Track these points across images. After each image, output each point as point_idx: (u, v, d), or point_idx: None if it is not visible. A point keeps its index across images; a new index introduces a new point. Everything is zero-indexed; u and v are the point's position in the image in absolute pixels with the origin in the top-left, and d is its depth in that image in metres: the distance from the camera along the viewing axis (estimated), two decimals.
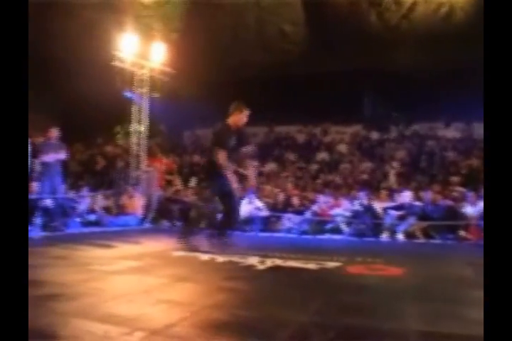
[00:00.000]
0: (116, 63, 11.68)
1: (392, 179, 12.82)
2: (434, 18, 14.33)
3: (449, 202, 10.10)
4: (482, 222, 9.21)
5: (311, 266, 5.21)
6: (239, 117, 6.57)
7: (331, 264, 5.39)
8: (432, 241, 9.32)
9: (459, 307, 3.41)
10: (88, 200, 11.17)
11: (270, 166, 14.30)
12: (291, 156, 15.10)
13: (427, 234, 9.58)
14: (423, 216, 9.83)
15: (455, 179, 11.48)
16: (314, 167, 14.15)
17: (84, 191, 11.43)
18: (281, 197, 11.39)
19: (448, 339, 2.62)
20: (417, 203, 10.24)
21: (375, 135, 15.71)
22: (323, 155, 14.81)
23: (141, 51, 12.10)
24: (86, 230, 9.59)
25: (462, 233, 9.35)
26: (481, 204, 9.57)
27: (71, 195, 11.03)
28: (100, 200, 11.44)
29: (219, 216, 6.70)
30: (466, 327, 2.88)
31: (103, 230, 9.66)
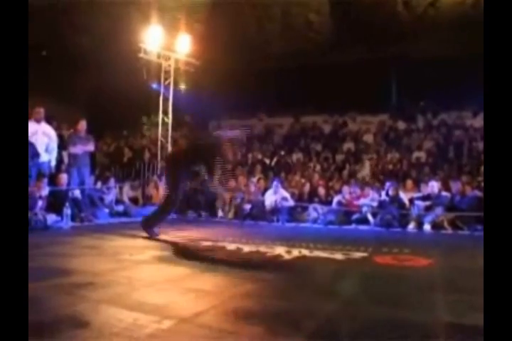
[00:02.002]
0: (143, 55, 11.76)
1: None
2: (462, 4, 14.04)
3: (477, 193, 9.95)
4: None
5: (338, 256, 5.21)
6: None
7: (358, 254, 5.38)
8: (459, 232, 9.20)
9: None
10: (115, 191, 11.31)
11: (296, 156, 14.27)
12: (317, 146, 15.04)
13: (454, 225, 9.46)
14: (451, 207, 9.71)
15: (484, 169, 11.31)
16: (340, 157, 14.08)
17: (112, 182, 11.57)
18: (307, 187, 11.38)
19: (476, 330, 2.59)
20: (445, 194, 10.12)
21: (401, 125, 15.53)
22: (349, 145, 14.72)
23: (167, 43, 12.16)
24: (114, 220, 9.72)
25: None
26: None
27: (99, 186, 11.17)
28: (127, 191, 11.57)
29: None
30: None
31: (131, 220, 9.78)
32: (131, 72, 12.63)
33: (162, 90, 12.61)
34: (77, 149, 9.28)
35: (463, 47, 13.80)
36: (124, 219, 9.99)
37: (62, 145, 9.94)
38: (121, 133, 16.73)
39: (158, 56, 12.14)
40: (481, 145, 13.16)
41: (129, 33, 12.18)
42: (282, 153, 14.56)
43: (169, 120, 12.79)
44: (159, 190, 11.67)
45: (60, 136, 10.27)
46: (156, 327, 2.47)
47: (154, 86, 12.72)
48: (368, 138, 15.12)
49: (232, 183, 12.09)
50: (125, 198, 11.30)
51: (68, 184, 9.10)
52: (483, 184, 10.38)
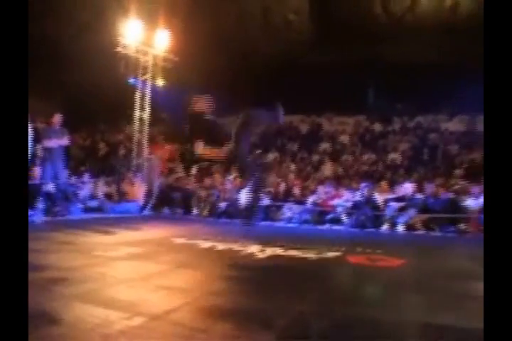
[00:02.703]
0: (121, 49, 11.65)
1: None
2: (439, 10, 14.24)
3: (450, 195, 10.10)
4: (483, 216, 9.24)
5: (311, 255, 5.24)
6: None
7: (331, 254, 5.42)
8: (432, 233, 9.33)
9: (457, 299, 3.43)
10: (90, 186, 11.19)
11: (273, 156, 14.30)
12: (293, 146, 15.09)
13: (427, 226, 9.59)
14: (424, 208, 9.83)
15: (457, 172, 11.48)
16: (316, 157, 14.14)
17: (86, 177, 11.45)
18: (282, 186, 11.41)
19: (446, 331, 2.63)
20: (419, 195, 10.25)
21: (377, 126, 15.67)
22: (325, 146, 14.79)
23: (146, 38, 12.08)
24: (87, 216, 9.62)
25: (462, 226, 9.37)
26: (482, 198, 9.60)
27: (73, 180, 11.04)
28: (102, 186, 11.46)
29: None
30: (465, 319, 2.89)
31: (104, 216, 9.70)
32: (109, 66, 12.49)
33: (139, 85, 12.51)
34: (52, 143, 9.14)
35: (440, 52, 14.00)
36: (97, 215, 9.89)
37: (37, 138, 9.79)
38: (97, 127, 16.57)
39: (137, 51, 12.04)
40: (455, 149, 13.36)
41: (108, 26, 12.06)
42: (258, 151, 14.56)
43: (146, 116, 12.70)
44: (134, 186, 11.59)
45: (35, 129, 10.11)
46: (126, 323, 2.45)
47: (132, 81, 12.61)
48: (344, 138, 15.22)
49: (207, 181, 12.11)
50: (99, 193, 11.19)
51: (41, 178, 8.97)
52: (456, 186, 10.56)
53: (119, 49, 11.62)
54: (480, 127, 14.51)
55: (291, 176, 12.12)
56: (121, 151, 13.60)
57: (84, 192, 10.87)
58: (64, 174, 9.77)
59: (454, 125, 14.97)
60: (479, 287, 3.93)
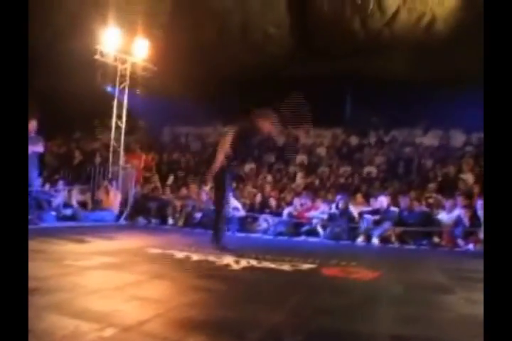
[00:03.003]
0: (99, 57, 11.58)
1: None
2: (416, 27, 14.49)
3: (424, 209, 10.22)
4: (456, 229, 9.37)
5: (286, 267, 5.23)
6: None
7: (306, 266, 5.42)
8: (406, 246, 9.41)
9: (430, 311, 3.46)
10: (64, 194, 11.06)
11: (249, 167, 14.30)
12: (270, 158, 15.12)
13: (401, 239, 9.67)
14: (399, 221, 9.93)
15: (431, 186, 11.62)
16: (293, 169, 14.19)
17: (60, 185, 11.30)
18: (258, 197, 11.41)
19: None
20: (393, 208, 10.34)
21: (354, 139, 15.82)
22: (302, 158, 14.86)
23: (124, 46, 12.01)
24: (61, 224, 9.49)
25: (436, 239, 9.47)
26: (456, 212, 9.73)
27: (47, 188, 10.89)
28: (76, 195, 11.33)
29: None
30: (437, 331, 2.92)
31: (78, 225, 9.58)
32: (86, 73, 12.41)
33: (117, 94, 12.45)
34: None
35: (416, 68, 14.23)
36: (71, 223, 9.77)
37: None
38: (73, 135, 16.41)
39: (115, 59, 11.98)
40: (429, 163, 13.55)
41: (86, 33, 11.97)
42: (235, 162, 14.53)
43: (123, 124, 12.61)
44: (110, 195, 11.48)
45: None
46: (97, 335, 2.41)
47: (109, 89, 12.54)
48: (321, 151, 15.31)
49: (183, 191, 12.06)
50: (73, 202, 11.05)
51: None
52: (430, 200, 10.69)
53: (97, 56, 11.54)
54: (453, 142, 14.81)
55: (268, 187, 12.13)
56: (97, 159, 13.46)
57: (58, 200, 10.73)
58: (38, 182, 9.65)
59: (429, 139, 15.19)
60: (450, 300, 3.99)
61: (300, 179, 13.31)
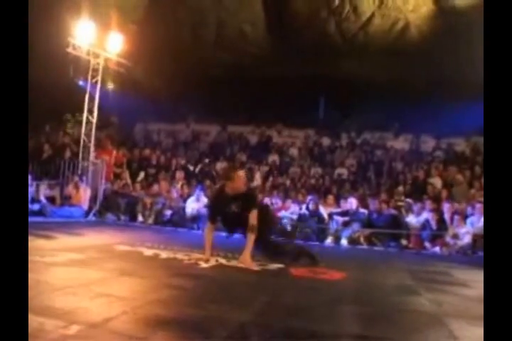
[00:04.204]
0: (71, 50, 11.38)
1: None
2: (390, 32, 14.67)
3: (393, 211, 10.36)
4: (423, 232, 9.53)
5: (254, 266, 5.24)
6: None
7: (274, 266, 5.44)
8: (374, 248, 9.52)
9: (394, 311, 3.51)
10: (32, 189, 10.85)
11: (221, 165, 14.26)
12: (242, 157, 15.11)
13: (370, 241, 9.79)
14: (367, 223, 10.04)
15: (401, 189, 11.78)
16: (264, 169, 14.20)
17: (28, 179, 11.09)
18: None
19: None
20: (363, 210, 10.46)
21: (326, 141, 15.92)
22: (274, 158, 14.89)
23: (98, 40, 11.80)
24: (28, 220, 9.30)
25: (404, 241, 9.61)
26: (423, 215, 9.88)
27: None
28: (44, 190, 11.14)
29: None
30: (400, 331, 2.96)
31: (46, 220, 9.42)
32: (58, 66, 12.20)
33: (89, 88, 12.26)
34: None
35: (389, 72, 14.40)
36: (39, 219, 9.59)
37: None
38: (43, 129, 16.12)
39: (88, 53, 11.78)
40: (399, 166, 13.73)
41: (59, 25, 11.72)
42: (207, 160, 14.52)
43: (94, 119, 12.44)
44: (79, 191, 11.31)
45: None
46: (62, 332, 2.38)
47: (81, 83, 12.36)
48: (293, 151, 15.37)
49: (154, 187, 11.97)
50: (41, 197, 10.85)
51: None
52: (399, 203, 10.84)
53: (69, 50, 11.35)
54: (423, 147, 15.06)
55: None
56: (67, 154, 13.25)
57: None
58: None
59: (399, 143, 15.40)
60: (415, 301, 4.05)
61: (271, 178, 13.34)
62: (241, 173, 5.50)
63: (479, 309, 3.72)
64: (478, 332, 2.98)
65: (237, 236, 5.77)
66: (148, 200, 11.47)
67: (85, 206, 11.29)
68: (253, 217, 5.28)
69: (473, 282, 5.22)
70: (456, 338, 2.87)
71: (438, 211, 10.04)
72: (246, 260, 5.18)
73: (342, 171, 13.80)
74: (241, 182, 5.37)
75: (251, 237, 5.26)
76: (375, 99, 14.09)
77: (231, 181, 5.26)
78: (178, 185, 12.20)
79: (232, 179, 5.27)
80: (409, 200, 10.99)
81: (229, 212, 5.44)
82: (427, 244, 9.44)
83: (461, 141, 14.72)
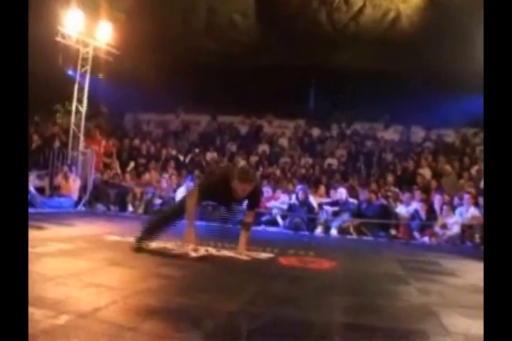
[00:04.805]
0: (60, 39, 11.26)
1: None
2: (381, 22, 14.66)
3: (383, 202, 10.41)
4: (412, 222, 9.60)
5: (244, 256, 5.26)
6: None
7: (264, 255, 5.47)
8: (363, 237, 9.59)
9: (383, 301, 3.55)
10: None
11: (211, 155, 14.26)
12: (232, 147, 15.11)
13: (359, 230, 9.84)
14: (357, 213, 10.09)
15: (390, 179, 11.83)
16: (254, 158, 14.21)
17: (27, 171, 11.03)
18: None
19: (371, 331, 2.71)
20: (352, 200, 10.51)
21: (316, 131, 15.93)
22: (264, 148, 14.89)
23: (87, 29, 11.69)
24: None
25: (393, 231, 9.67)
26: (413, 205, 9.95)
27: None
28: (33, 180, 11.06)
29: None
30: (388, 320, 2.99)
31: (35, 211, 9.38)
32: (47, 55, 12.06)
33: (78, 78, 12.17)
34: None
35: (380, 62, 14.41)
36: (28, 209, 9.53)
37: None
38: (32, 118, 15.99)
39: (77, 42, 11.67)
40: (389, 157, 13.79)
41: (47, 13, 11.58)
42: (197, 150, 14.50)
43: (83, 109, 12.36)
44: (69, 181, 11.26)
45: None
46: (51, 322, 2.39)
47: (70, 73, 12.25)
48: (283, 141, 15.38)
49: (144, 177, 11.95)
50: (31, 187, 10.79)
51: None
52: (388, 193, 10.89)
53: (58, 38, 11.23)
54: (413, 137, 15.13)
55: None
56: (56, 144, 13.16)
57: None
58: None
59: (390, 134, 15.45)
60: (404, 290, 4.09)
61: (261, 168, 13.35)
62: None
63: (468, 298, 3.80)
64: (467, 321, 3.03)
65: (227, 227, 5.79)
66: (138, 190, 11.45)
67: (75, 196, 11.26)
68: (250, 214, 5.36)
69: (461, 272, 5.28)
70: (444, 327, 2.90)
71: (427, 201, 10.11)
72: (242, 252, 5.24)
73: (332, 161, 13.83)
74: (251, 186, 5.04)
75: (245, 235, 5.29)
76: (365, 89, 14.12)
77: (243, 183, 4.94)
78: (168, 175, 12.18)
79: (246, 182, 4.96)
80: (395, 190, 11.05)
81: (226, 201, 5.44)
82: (416, 234, 9.51)
83: (450, 132, 14.80)
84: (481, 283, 2.51)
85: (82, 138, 12.42)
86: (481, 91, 2.84)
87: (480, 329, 2.21)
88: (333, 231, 9.82)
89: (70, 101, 12.49)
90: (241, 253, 5.21)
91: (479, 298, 2.63)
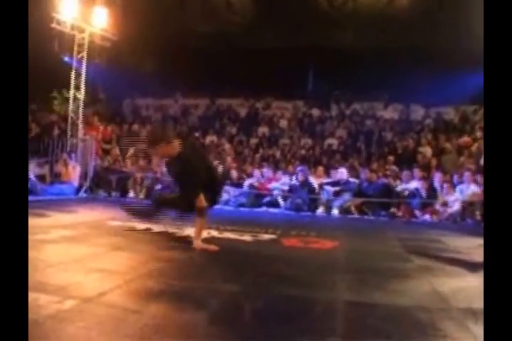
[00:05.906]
0: (55, 25, 11.16)
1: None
2: (378, 1, 14.51)
3: (383, 181, 10.42)
4: (413, 201, 9.61)
5: (247, 237, 5.30)
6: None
7: (266, 236, 5.50)
8: (365, 217, 9.62)
9: (384, 279, 3.57)
10: None
11: (211, 138, 14.24)
12: (232, 129, 15.08)
13: (361, 210, 9.87)
14: (358, 193, 10.10)
15: (391, 158, 11.82)
16: (254, 141, 14.19)
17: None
18: (220, 169, 11.40)
19: (372, 308, 2.74)
20: (353, 180, 10.51)
21: (315, 112, 15.89)
22: (263, 130, 14.87)
23: (82, 14, 11.59)
24: None
25: (394, 210, 9.70)
26: (413, 183, 9.96)
27: None
28: (34, 168, 11.06)
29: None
30: (390, 297, 3.02)
31: (37, 199, 9.39)
32: (42, 42, 11.96)
33: (75, 64, 12.09)
34: None
35: (378, 41, 14.29)
36: (29, 198, 9.54)
37: None
38: (30, 106, 15.94)
39: (72, 28, 11.57)
40: (389, 135, 13.76)
41: (42, 0, 11.47)
42: (197, 134, 14.48)
43: (81, 96, 12.31)
44: (69, 168, 11.27)
45: None
46: (57, 307, 2.41)
47: (66, 59, 12.16)
48: (283, 123, 15.34)
49: (144, 163, 11.95)
50: (31, 175, 10.80)
51: None
52: (388, 172, 10.90)
53: (53, 25, 11.13)
54: (413, 116, 15.09)
55: (229, 159, 12.12)
56: (55, 132, 13.14)
57: None
58: None
59: (389, 113, 15.41)
60: (406, 267, 4.12)
61: (261, 150, 13.35)
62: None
63: (471, 275, 3.81)
64: (469, 296, 3.06)
65: (229, 209, 5.81)
66: (138, 175, 11.46)
67: (76, 183, 11.27)
68: (200, 198, 4.48)
69: (464, 248, 5.31)
70: (446, 301, 2.93)
71: (428, 179, 10.13)
72: (199, 245, 4.47)
73: (332, 142, 13.83)
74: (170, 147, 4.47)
75: (201, 222, 4.56)
76: (364, 68, 14.02)
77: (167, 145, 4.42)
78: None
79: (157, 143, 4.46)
80: (394, 168, 11.05)
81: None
82: (417, 212, 9.54)
83: (450, 110, 14.75)
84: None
85: (80, 125, 12.38)
86: (481, 67, 2.83)
87: (482, 304, 2.23)
88: (335, 211, 9.85)
89: (68, 89, 12.42)
90: (198, 245, 4.43)
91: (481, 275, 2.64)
